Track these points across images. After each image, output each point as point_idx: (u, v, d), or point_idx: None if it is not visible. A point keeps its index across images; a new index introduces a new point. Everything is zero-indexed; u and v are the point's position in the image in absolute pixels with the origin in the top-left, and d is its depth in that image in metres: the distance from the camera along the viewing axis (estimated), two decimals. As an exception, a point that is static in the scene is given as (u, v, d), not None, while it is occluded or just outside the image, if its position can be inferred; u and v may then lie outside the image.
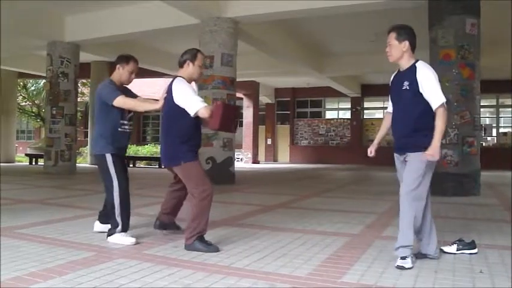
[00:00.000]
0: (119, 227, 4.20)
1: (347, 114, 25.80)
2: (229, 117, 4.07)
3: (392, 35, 3.67)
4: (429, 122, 3.54)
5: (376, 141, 4.06)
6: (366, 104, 25.47)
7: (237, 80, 11.60)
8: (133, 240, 4.16)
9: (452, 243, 3.90)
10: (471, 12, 8.69)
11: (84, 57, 15.47)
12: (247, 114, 24.71)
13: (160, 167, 18.38)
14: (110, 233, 4.24)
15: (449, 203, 7.47)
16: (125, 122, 4.38)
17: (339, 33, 14.89)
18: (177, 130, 4.06)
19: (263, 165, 22.44)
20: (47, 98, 14.22)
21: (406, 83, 3.58)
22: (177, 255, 3.73)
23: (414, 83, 3.53)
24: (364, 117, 25.43)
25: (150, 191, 9.10)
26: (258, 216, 6.02)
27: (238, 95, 19.67)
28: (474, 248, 3.88)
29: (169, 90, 4.07)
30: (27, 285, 2.90)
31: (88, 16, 13.04)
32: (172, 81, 4.12)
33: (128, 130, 4.44)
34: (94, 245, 4.11)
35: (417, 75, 3.54)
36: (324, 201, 7.76)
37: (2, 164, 19.74)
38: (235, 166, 11.56)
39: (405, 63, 3.66)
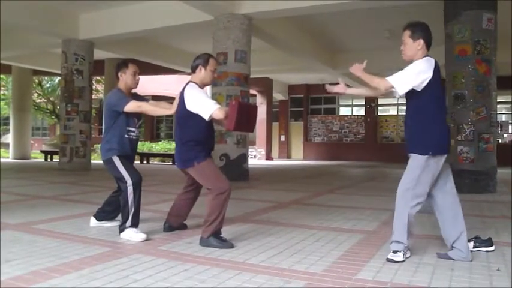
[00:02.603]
0: (130, 223, 4.23)
1: (361, 111, 25.65)
2: (246, 117, 4.01)
3: (407, 33, 3.59)
4: (430, 124, 3.53)
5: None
6: (380, 101, 25.28)
7: (251, 76, 11.58)
8: (144, 236, 4.18)
9: (469, 241, 3.85)
10: (488, 7, 8.58)
11: (98, 54, 15.58)
12: (261, 111, 24.64)
13: (174, 163, 18.45)
14: (122, 228, 4.28)
15: (465, 200, 7.34)
16: (132, 129, 4.45)
17: (353, 30, 14.81)
18: (190, 135, 4.08)
19: (277, 162, 22.41)
20: (62, 95, 14.33)
21: None
22: (192, 251, 3.74)
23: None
24: (378, 113, 25.26)
25: (164, 187, 9.14)
26: (272, 212, 6.02)
27: (252, 91, 19.69)
28: (491, 246, 3.83)
29: (181, 96, 4.08)
30: (45, 279, 2.93)
31: (102, 14, 13.12)
32: (185, 86, 4.13)
33: (134, 137, 4.49)
34: (109, 240, 4.14)
35: None
36: (338, 198, 7.74)
37: (18, 160, 20.00)
38: (248, 163, 11.55)
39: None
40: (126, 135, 4.39)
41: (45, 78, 27.04)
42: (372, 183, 10.92)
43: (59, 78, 19.92)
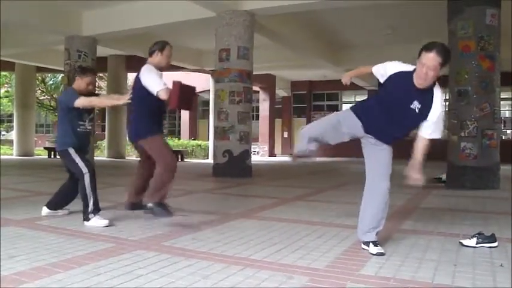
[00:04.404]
0: (92, 210, 4.61)
1: (364, 107, 25.61)
2: (186, 97, 4.47)
3: (438, 59, 3.27)
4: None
5: (354, 73, 4.16)
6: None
7: (253, 73, 11.59)
8: (106, 221, 4.54)
9: (472, 237, 3.86)
10: (491, 3, 8.54)
11: (101, 51, 15.58)
12: (264, 107, 24.71)
13: (182, 159, 18.43)
14: (86, 217, 4.61)
15: (468, 196, 7.40)
16: (83, 123, 4.83)
17: (355, 25, 14.78)
18: (143, 109, 4.57)
19: (280, 159, 22.42)
20: (65, 92, 14.35)
21: (416, 104, 3.39)
22: (195, 247, 3.75)
23: (426, 109, 3.39)
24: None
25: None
26: (276, 208, 6.02)
27: (255, 88, 19.66)
28: (494, 242, 3.82)
29: (137, 77, 4.57)
30: (48, 274, 2.94)
31: (105, 10, 13.12)
32: (142, 67, 4.59)
33: (87, 130, 4.91)
34: (113, 236, 4.15)
35: (434, 102, 3.38)
36: (341, 194, 7.74)
37: (21, 157, 20.04)
38: (251, 159, 11.56)
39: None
40: (78, 129, 4.77)
41: (49, 75, 27.07)
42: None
43: (62, 75, 19.96)
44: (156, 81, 4.44)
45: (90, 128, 4.99)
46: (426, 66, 3.27)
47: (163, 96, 4.36)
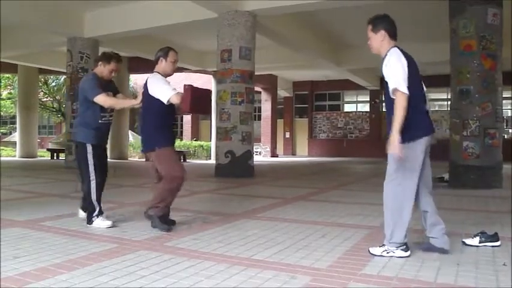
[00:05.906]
0: (96, 212, 4.58)
1: (366, 107, 25.63)
2: (200, 100, 4.42)
3: (368, 27, 3.68)
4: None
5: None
6: (385, 97, 25.25)
7: (255, 73, 11.59)
8: (110, 223, 4.55)
9: (475, 236, 3.86)
10: (493, 2, 8.53)
11: (103, 52, 15.59)
12: (266, 107, 24.72)
13: (184, 160, 18.48)
14: (90, 219, 4.58)
15: (470, 195, 7.39)
16: (105, 114, 4.72)
17: (357, 25, 14.64)
18: (153, 119, 4.44)
19: (282, 159, 22.42)
20: (68, 94, 14.40)
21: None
22: (198, 248, 3.76)
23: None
24: (383, 110, 25.20)
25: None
26: (278, 208, 6.03)
27: (257, 88, 19.68)
28: (497, 241, 3.82)
29: (145, 85, 4.47)
30: (52, 275, 2.96)
31: (107, 12, 13.16)
32: (148, 77, 4.51)
33: (108, 121, 4.80)
34: (116, 237, 4.17)
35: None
36: (343, 194, 7.74)
37: (24, 159, 20.09)
38: (254, 159, 11.56)
39: (384, 53, 3.58)
40: (100, 120, 4.67)
41: (51, 76, 27.13)
42: (377, 179, 10.87)
43: (64, 76, 19.98)
44: (164, 89, 4.31)
45: (111, 118, 4.86)
46: (367, 38, 3.72)
47: (175, 100, 4.24)
